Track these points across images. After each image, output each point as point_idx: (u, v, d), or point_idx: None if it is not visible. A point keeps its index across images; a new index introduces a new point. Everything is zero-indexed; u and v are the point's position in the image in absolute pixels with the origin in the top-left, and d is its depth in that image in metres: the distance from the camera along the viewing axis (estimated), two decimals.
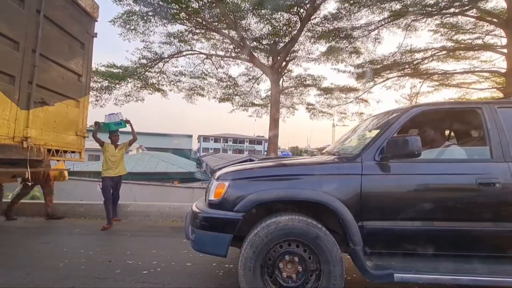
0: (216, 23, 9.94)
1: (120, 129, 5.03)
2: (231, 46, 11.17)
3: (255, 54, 10.71)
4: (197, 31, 10.85)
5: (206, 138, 58.65)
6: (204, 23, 9.99)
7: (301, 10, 9.41)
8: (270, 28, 10.10)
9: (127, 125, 5.03)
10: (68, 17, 4.27)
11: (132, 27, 9.65)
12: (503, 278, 1.92)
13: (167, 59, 11.07)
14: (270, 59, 11.07)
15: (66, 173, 5.51)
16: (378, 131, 2.37)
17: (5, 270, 2.84)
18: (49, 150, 3.96)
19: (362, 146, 2.32)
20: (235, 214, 2.12)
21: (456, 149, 2.40)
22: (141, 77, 11.05)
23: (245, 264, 2.04)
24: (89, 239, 4.06)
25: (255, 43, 10.70)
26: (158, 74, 11.40)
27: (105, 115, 4.93)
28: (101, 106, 10.10)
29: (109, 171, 4.79)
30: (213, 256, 2.74)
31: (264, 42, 10.77)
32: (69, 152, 4.44)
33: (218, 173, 2.49)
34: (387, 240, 2.12)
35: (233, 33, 10.22)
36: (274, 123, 10.03)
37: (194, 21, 10.08)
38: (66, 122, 4.27)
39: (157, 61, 10.98)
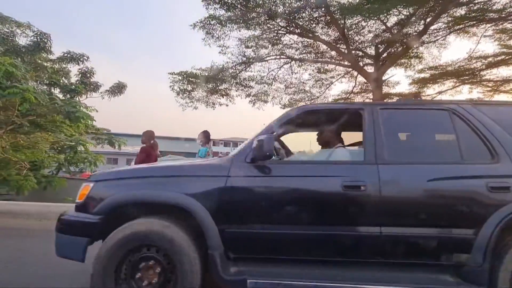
0: (314, 28, 9.70)
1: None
2: (304, 50, 10.85)
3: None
4: (264, 36, 10.44)
5: (215, 142, 58.28)
6: (293, 26, 9.74)
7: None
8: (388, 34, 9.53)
9: None
10: None
11: (213, 33, 9.67)
12: (368, 285, 1.80)
13: (257, 62, 10.92)
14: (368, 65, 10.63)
15: None
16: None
17: None
18: None
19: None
20: (93, 217, 2.00)
21: (341, 151, 2.23)
22: (233, 80, 11.22)
23: (98, 270, 1.88)
24: None
25: (356, 50, 10.32)
26: (232, 79, 11.35)
27: None
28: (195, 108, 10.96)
29: None
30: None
31: (368, 50, 10.34)
32: None
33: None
34: (248, 246, 2.01)
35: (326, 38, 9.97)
36: None
37: (271, 25, 9.85)
38: None
39: (248, 64, 10.95)
